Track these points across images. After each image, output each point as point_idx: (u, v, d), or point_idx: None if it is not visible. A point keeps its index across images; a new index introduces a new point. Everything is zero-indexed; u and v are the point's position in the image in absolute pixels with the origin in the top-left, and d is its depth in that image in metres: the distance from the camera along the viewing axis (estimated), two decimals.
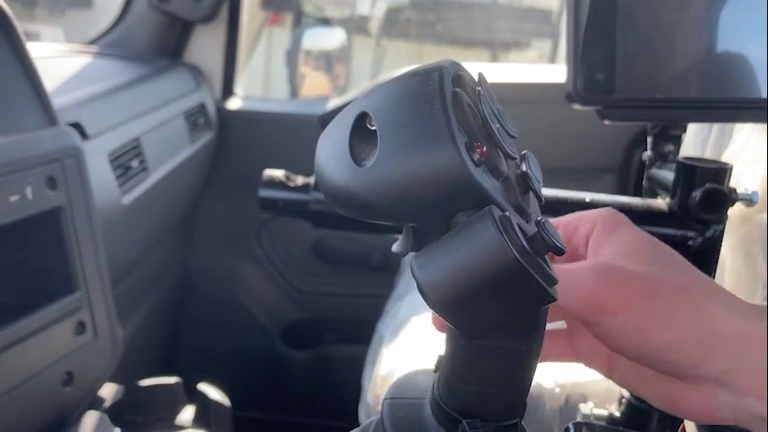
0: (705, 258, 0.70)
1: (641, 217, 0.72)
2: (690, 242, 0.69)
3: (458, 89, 0.32)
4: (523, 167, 0.34)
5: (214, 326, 1.84)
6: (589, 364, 0.44)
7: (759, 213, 0.87)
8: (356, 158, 0.32)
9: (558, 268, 0.36)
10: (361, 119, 0.32)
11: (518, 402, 0.36)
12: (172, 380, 1.13)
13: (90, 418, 0.97)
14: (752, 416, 0.37)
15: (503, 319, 0.32)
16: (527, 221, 0.34)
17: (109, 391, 1.06)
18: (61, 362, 0.89)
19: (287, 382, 1.87)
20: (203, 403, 1.16)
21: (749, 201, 0.70)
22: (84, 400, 0.97)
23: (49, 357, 0.88)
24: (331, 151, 0.33)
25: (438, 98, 0.30)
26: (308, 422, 1.86)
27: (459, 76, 0.33)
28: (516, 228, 0.30)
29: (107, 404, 1.04)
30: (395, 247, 0.33)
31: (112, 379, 1.04)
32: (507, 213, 0.30)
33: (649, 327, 0.36)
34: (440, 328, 0.40)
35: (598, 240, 0.41)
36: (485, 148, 0.32)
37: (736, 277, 0.91)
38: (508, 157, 0.33)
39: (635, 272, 0.38)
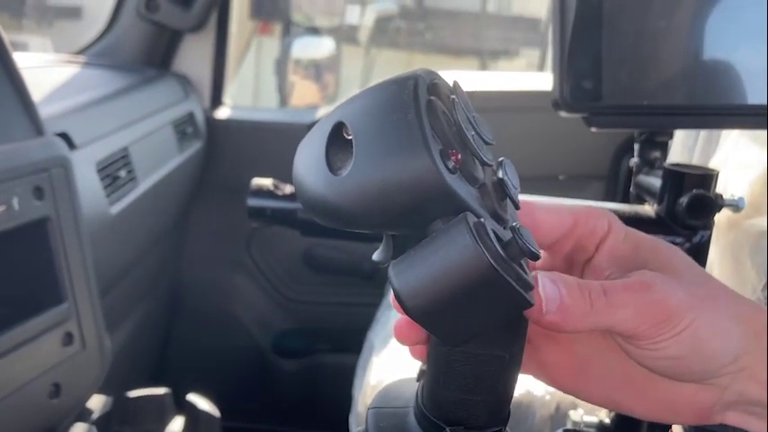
0: None
1: (629, 223, 0.72)
2: None
3: (433, 97, 0.32)
4: (500, 174, 0.34)
5: (203, 336, 1.83)
6: (550, 377, 0.42)
7: (746, 219, 0.88)
8: (332, 167, 0.32)
9: (620, 290, 0.36)
10: (338, 128, 0.32)
11: (502, 409, 0.36)
12: (161, 391, 1.12)
13: (78, 430, 0.96)
14: (746, 412, 0.37)
15: (481, 325, 0.32)
16: (504, 228, 0.34)
17: (97, 402, 1.05)
18: (48, 373, 0.89)
19: (277, 391, 1.86)
20: (193, 414, 1.16)
21: (735, 206, 0.71)
22: (71, 412, 0.96)
23: (37, 369, 0.87)
24: (308, 161, 0.33)
25: (412, 106, 0.31)
26: (299, 431, 1.85)
27: (434, 85, 0.33)
28: (491, 234, 0.30)
29: (95, 416, 1.03)
30: (375, 256, 0.33)
31: (101, 390, 1.03)
32: (482, 220, 0.30)
33: (703, 335, 0.36)
34: (404, 342, 0.39)
35: (617, 245, 0.39)
36: (459, 156, 0.32)
37: (724, 283, 0.91)
38: (484, 164, 0.33)
39: (682, 281, 0.37)
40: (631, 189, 0.78)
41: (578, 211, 0.40)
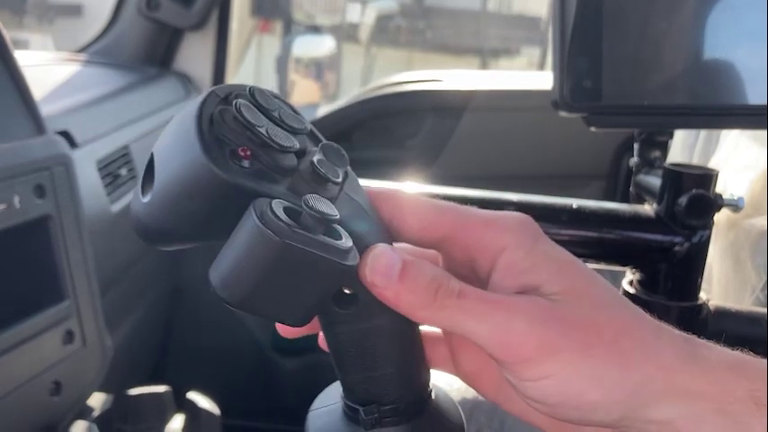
0: (692, 264, 0.71)
1: (628, 223, 0.72)
2: (677, 248, 0.70)
3: (223, 106, 0.34)
4: (313, 158, 0.34)
5: (204, 334, 1.84)
6: (472, 382, 0.39)
7: (746, 219, 0.88)
8: (143, 193, 0.34)
9: (479, 299, 0.32)
10: (151, 159, 0.34)
11: (409, 379, 0.36)
12: (161, 388, 1.13)
13: (78, 428, 0.96)
14: None
15: (313, 299, 0.32)
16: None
17: (98, 400, 1.06)
18: (49, 371, 0.89)
19: (278, 390, 1.86)
20: (193, 412, 1.16)
21: (735, 206, 0.71)
22: (72, 410, 0.97)
23: (37, 367, 0.87)
24: (134, 192, 0.36)
25: (194, 119, 0.32)
26: (300, 430, 1.85)
27: (230, 95, 0.35)
28: (280, 212, 0.30)
29: (96, 413, 1.03)
30: None
31: (101, 388, 1.03)
32: (272, 201, 0.31)
33: (575, 385, 0.32)
34: (284, 333, 0.39)
35: (515, 261, 0.34)
36: (248, 152, 0.33)
37: (724, 283, 0.92)
38: (290, 152, 0.34)
39: (569, 316, 0.33)
40: (631, 188, 0.78)
41: (461, 220, 0.36)
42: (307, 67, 2.32)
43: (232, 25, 1.76)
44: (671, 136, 0.79)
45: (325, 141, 0.36)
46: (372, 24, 5.74)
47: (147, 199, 0.33)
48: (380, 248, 0.33)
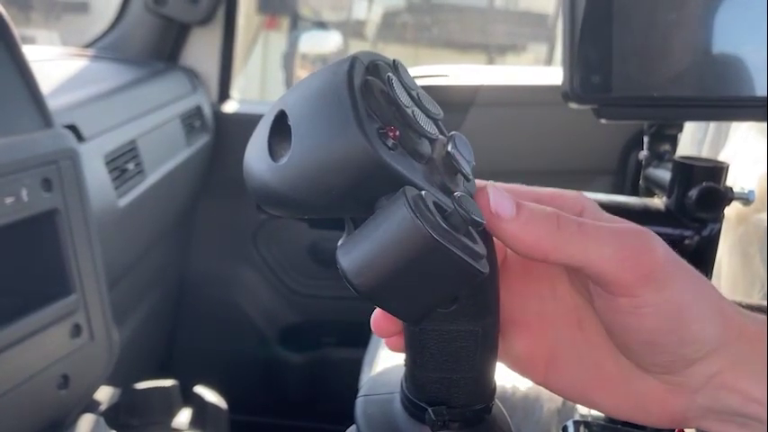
0: (702, 257, 0.70)
1: (638, 216, 0.72)
2: (687, 241, 0.69)
3: (370, 77, 0.32)
4: (449, 148, 0.33)
5: (211, 329, 1.84)
6: (520, 367, 0.39)
7: (756, 213, 0.87)
8: (274, 155, 0.32)
9: (598, 226, 0.33)
10: (280, 117, 0.33)
11: (483, 386, 0.35)
12: (168, 383, 1.13)
13: (86, 422, 0.96)
14: (725, 420, 0.35)
15: (435, 299, 0.31)
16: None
17: (105, 393, 1.06)
18: (57, 365, 0.89)
19: (284, 385, 1.86)
20: (200, 406, 1.16)
21: (746, 199, 0.70)
22: (79, 404, 0.97)
23: (45, 360, 0.87)
24: (254, 150, 0.34)
25: (345, 87, 0.31)
26: (306, 425, 1.86)
27: (375, 66, 0.33)
28: (431, 205, 0.30)
29: (103, 407, 1.03)
30: (341, 242, 0.33)
31: (109, 382, 1.04)
32: (423, 192, 0.30)
33: (685, 312, 0.32)
34: (380, 333, 0.37)
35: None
36: (397, 132, 0.32)
37: (732, 277, 0.91)
38: (428, 138, 0.33)
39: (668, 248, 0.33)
40: (641, 182, 0.78)
41: (552, 195, 0.37)
42: (313, 64, 2.32)
43: (239, 21, 1.76)
44: (680, 129, 0.79)
45: (453, 132, 0.35)
46: (379, 20, 5.74)
47: (282, 162, 0.32)
48: (491, 187, 0.33)
